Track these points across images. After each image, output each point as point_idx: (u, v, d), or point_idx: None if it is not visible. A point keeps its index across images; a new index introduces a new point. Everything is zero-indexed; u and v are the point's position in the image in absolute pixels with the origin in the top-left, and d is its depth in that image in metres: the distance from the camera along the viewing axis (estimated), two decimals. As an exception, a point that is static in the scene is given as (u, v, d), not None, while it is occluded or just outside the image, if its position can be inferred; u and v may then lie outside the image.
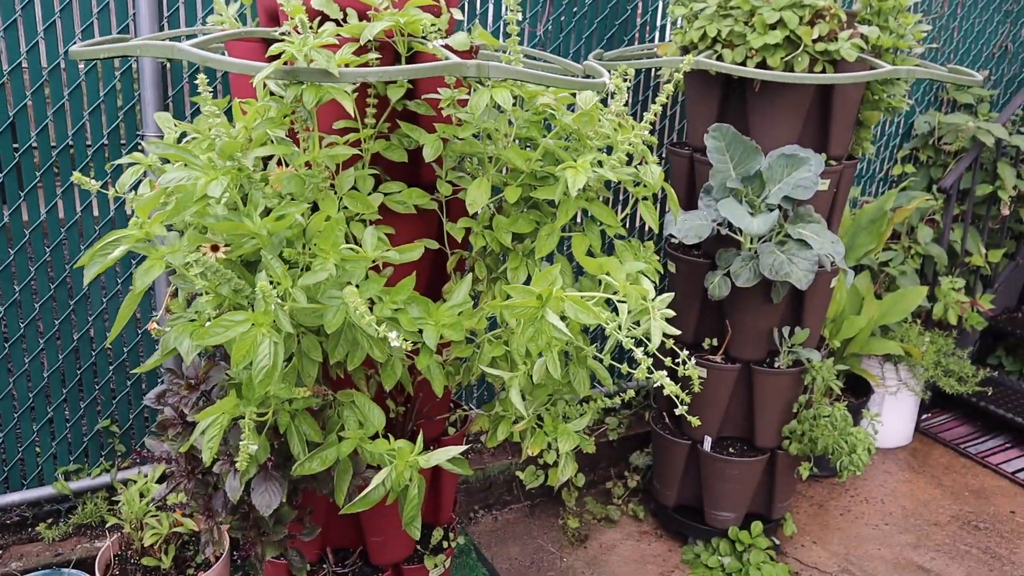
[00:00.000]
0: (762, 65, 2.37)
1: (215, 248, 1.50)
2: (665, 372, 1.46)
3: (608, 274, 1.53)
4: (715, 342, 2.84)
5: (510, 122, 1.74)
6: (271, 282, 1.34)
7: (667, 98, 1.77)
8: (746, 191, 2.47)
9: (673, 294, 1.62)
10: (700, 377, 2.83)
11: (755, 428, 2.88)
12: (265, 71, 1.36)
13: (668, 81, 3.11)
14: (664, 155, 3.35)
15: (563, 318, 1.42)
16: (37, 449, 2.69)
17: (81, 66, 2.43)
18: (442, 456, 1.42)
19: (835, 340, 3.31)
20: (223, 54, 2.15)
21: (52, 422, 2.67)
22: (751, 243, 2.56)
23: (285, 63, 1.42)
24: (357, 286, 1.43)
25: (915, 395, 3.69)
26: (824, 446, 2.73)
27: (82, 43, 1.69)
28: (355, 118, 1.75)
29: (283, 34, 1.45)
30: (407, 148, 1.83)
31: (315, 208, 1.55)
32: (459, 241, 1.83)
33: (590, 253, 1.74)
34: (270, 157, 1.64)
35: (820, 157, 2.48)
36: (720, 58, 2.42)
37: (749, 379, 2.82)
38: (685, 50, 2.61)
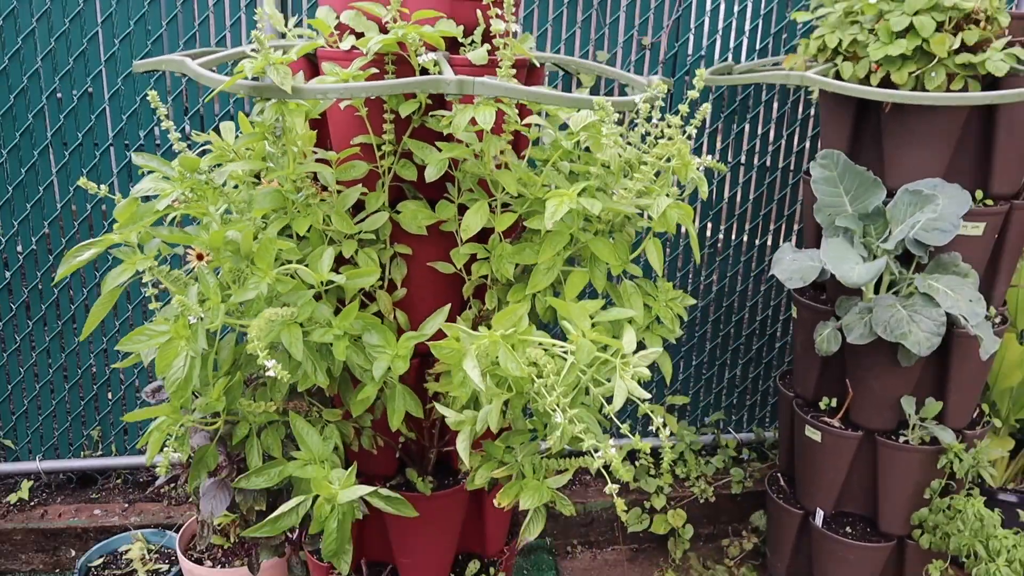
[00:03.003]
0: (887, 82, 1.99)
1: (200, 256, 1.54)
2: (612, 447, 1.24)
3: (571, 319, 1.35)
4: (834, 403, 2.44)
5: (534, 141, 1.61)
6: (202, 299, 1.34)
7: (698, 117, 1.53)
8: (864, 231, 2.08)
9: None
10: (813, 440, 2.47)
11: (879, 509, 2.44)
12: (222, 85, 1.37)
13: (810, 95, 2.74)
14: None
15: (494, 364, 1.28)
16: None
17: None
18: (356, 493, 1.34)
19: (1014, 417, 2.71)
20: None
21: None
22: (872, 292, 2.16)
23: (254, 78, 1.41)
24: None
25: None
26: (957, 546, 2.23)
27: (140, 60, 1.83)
28: (370, 132, 1.72)
29: (254, 50, 1.45)
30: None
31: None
32: (459, 268, 1.72)
33: (591, 293, 1.56)
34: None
35: (963, 194, 2.02)
36: (839, 73, 2.07)
37: (873, 451, 2.39)
38: (815, 62, 2.27)
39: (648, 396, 1.35)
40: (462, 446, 1.41)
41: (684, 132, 1.59)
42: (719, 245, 3.03)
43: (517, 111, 1.56)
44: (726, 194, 2.95)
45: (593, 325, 1.39)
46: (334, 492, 1.36)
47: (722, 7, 2.76)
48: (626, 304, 1.55)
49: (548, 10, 2.67)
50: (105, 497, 2.91)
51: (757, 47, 2.83)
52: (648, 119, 1.67)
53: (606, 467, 1.29)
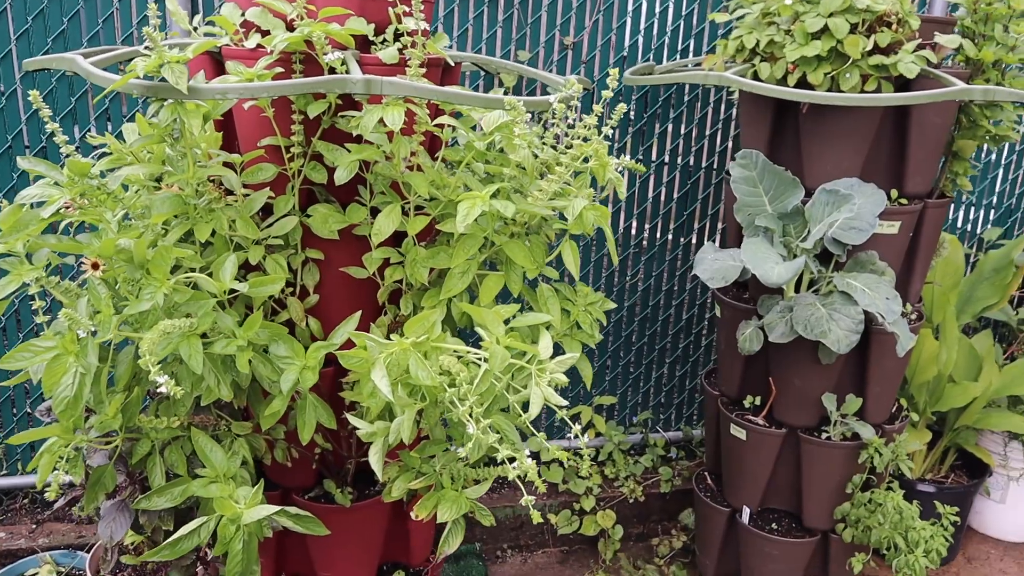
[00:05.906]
0: (803, 82, 2.01)
1: (95, 266, 1.45)
2: (528, 459, 1.21)
3: (485, 325, 1.31)
4: (758, 401, 2.46)
5: (457, 143, 1.56)
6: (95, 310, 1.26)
7: (615, 117, 1.51)
8: (783, 230, 2.10)
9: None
10: (738, 438, 2.49)
11: (803, 505, 2.47)
12: (113, 85, 1.28)
13: (731, 95, 2.77)
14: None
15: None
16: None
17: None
18: (261, 512, 1.28)
19: (931, 409, 2.78)
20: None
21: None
22: (793, 291, 2.18)
23: (146, 77, 1.33)
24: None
25: (1052, 483, 3.04)
26: (878, 539, 2.28)
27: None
28: (277, 134, 1.65)
29: (147, 48, 1.37)
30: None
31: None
32: (373, 273, 1.67)
33: (507, 297, 1.52)
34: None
35: (879, 194, 2.06)
36: (757, 73, 2.08)
37: (797, 448, 2.42)
38: (733, 63, 2.28)
39: (565, 403, 1.32)
40: (375, 459, 1.35)
41: (600, 132, 1.57)
42: (644, 244, 3.03)
43: (428, 112, 1.52)
44: (650, 193, 2.96)
45: (511, 331, 1.36)
46: (239, 512, 1.29)
47: (644, 7, 2.76)
48: (543, 309, 1.52)
49: (468, 9, 2.63)
50: (11, 519, 2.75)
51: (679, 47, 2.84)
52: (565, 119, 1.64)
53: (522, 477, 1.25)
